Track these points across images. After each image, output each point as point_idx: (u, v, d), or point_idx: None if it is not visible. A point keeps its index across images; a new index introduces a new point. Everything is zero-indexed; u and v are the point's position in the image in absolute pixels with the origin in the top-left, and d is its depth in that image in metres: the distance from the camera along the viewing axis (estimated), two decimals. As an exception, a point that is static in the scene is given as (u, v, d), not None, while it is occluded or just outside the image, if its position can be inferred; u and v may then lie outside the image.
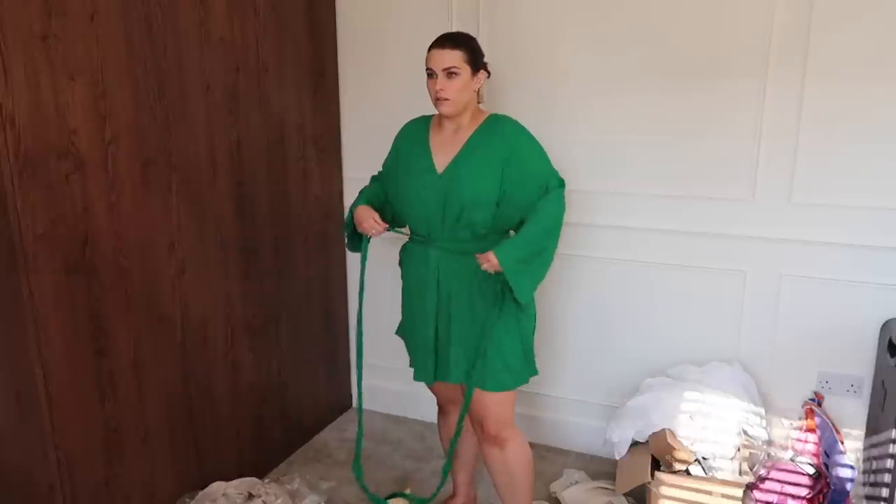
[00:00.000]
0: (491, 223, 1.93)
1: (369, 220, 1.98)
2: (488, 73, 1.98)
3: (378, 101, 2.80)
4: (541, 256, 1.92)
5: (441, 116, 1.98)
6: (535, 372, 2.07)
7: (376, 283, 2.99)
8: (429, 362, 2.07)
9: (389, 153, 2.13)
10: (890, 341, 2.12)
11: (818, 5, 2.14)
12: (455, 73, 1.87)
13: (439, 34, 1.93)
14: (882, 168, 2.17)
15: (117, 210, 1.90)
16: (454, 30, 2.51)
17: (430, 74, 1.90)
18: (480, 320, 1.96)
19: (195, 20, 2.10)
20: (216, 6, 2.18)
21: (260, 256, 2.49)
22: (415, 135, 2.04)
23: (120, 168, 1.90)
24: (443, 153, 1.96)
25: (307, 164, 2.70)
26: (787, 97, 2.23)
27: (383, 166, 2.16)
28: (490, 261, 1.84)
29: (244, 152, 2.36)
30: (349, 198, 2.95)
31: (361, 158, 2.88)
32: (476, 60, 1.91)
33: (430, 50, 1.90)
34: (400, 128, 2.11)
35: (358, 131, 2.88)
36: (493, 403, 2.01)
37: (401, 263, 2.13)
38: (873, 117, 2.15)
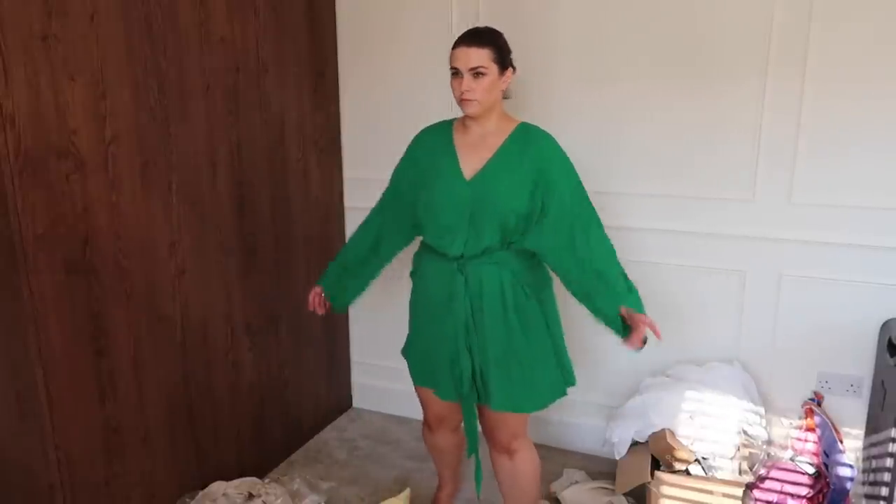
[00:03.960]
0: (522, 233, 1.84)
1: (313, 296, 2.12)
2: (514, 69, 1.86)
3: (378, 101, 2.79)
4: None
5: (465, 119, 1.87)
6: (572, 382, 1.99)
7: (378, 284, 3.00)
8: (450, 380, 1.94)
9: (402, 164, 2.00)
10: (890, 341, 2.12)
11: (818, 5, 2.14)
12: (482, 73, 1.75)
13: (468, 30, 1.82)
14: (882, 168, 2.17)
15: (117, 210, 1.90)
16: (454, 29, 2.52)
17: (455, 73, 1.77)
18: (515, 338, 1.86)
19: (195, 20, 2.10)
20: (216, 6, 2.18)
21: (260, 257, 2.49)
22: (436, 140, 1.93)
23: (120, 168, 1.90)
24: (470, 159, 1.84)
25: (307, 164, 2.70)
26: (787, 97, 2.23)
27: (393, 180, 2.03)
28: (640, 327, 1.88)
29: (244, 152, 2.36)
30: (349, 198, 2.95)
31: (361, 158, 2.88)
32: (504, 58, 1.80)
33: (454, 48, 1.78)
34: (412, 131, 2.00)
35: (358, 131, 2.88)
36: (511, 417, 1.94)
37: (413, 275, 2.02)
38: (873, 117, 2.15)
